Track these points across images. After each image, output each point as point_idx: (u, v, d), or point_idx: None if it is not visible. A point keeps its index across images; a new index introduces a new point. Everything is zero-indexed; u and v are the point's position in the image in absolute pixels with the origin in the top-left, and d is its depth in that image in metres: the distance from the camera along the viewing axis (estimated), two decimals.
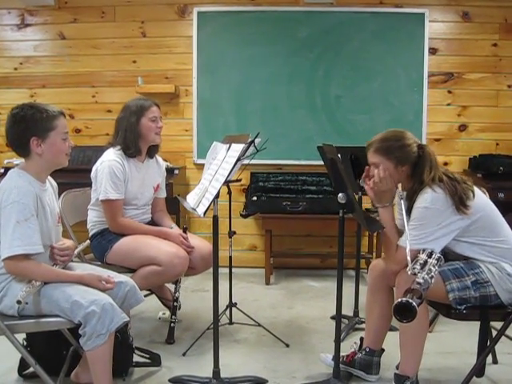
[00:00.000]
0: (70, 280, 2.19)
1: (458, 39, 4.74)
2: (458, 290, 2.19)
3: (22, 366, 2.55)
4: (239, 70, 4.80)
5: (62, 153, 2.25)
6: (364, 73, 4.74)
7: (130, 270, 2.95)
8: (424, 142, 4.71)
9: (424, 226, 2.22)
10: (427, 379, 2.60)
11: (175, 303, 3.14)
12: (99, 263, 2.98)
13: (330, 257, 4.82)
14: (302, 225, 4.57)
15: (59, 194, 2.61)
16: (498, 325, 2.36)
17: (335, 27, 4.73)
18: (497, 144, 4.73)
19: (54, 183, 2.46)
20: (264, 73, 4.78)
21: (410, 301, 1.83)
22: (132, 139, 3.05)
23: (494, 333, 2.45)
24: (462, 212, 2.21)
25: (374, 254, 4.57)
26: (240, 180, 3.41)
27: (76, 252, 2.45)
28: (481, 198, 2.33)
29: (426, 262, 2.12)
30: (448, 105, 4.77)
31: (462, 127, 4.75)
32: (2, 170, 4.24)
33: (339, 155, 2.46)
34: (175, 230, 3.14)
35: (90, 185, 3.10)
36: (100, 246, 3.03)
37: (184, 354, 2.90)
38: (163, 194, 3.38)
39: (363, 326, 3.18)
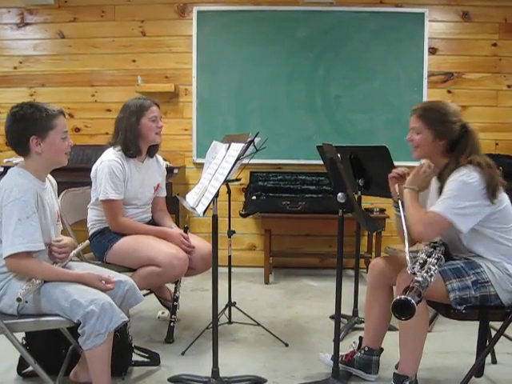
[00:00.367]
0: (70, 279, 2.19)
1: (458, 39, 4.74)
2: (459, 289, 2.19)
3: (22, 364, 2.55)
4: (239, 70, 4.80)
5: (62, 152, 2.25)
6: (364, 72, 4.75)
7: (130, 270, 2.95)
8: None
9: (458, 197, 2.18)
10: (426, 379, 2.60)
11: (175, 303, 3.15)
12: (99, 262, 2.98)
13: (330, 256, 4.83)
14: (301, 224, 4.58)
15: (59, 193, 2.61)
16: (497, 325, 2.36)
17: (335, 27, 4.73)
18: (496, 144, 4.74)
19: (54, 181, 2.46)
20: (264, 72, 4.78)
21: (409, 298, 1.83)
22: (132, 139, 3.05)
23: (493, 333, 2.45)
24: (491, 200, 2.19)
25: (374, 253, 4.57)
26: (239, 179, 3.41)
27: (75, 251, 2.44)
28: (504, 193, 2.32)
29: (425, 262, 2.12)
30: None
31: None
32: (2, 169, 4.25)
33: (339, 155, 2.45)
34: (176, 230, 3.14)
35: (89, 184, 3.10)
36: (100, 245, 3.03)
37: (183, 354, 2.90)
38: (163, 193, 3.38)
39: (362, 325, 3.18)
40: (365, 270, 4.73)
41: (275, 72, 4.78)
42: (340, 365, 2.50)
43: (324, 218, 4.33)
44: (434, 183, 2.43)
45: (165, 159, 3.47)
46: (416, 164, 2.49)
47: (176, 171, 4.42)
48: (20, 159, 2.28)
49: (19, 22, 4.90)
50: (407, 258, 2.06)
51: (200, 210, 2.32)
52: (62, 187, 2.69)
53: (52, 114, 2.19)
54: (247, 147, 2.46)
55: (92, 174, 3.05)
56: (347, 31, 4.73)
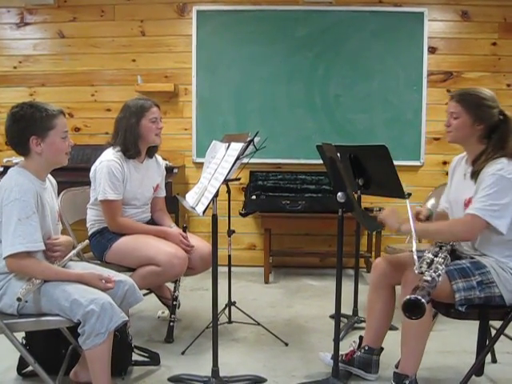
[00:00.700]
0: (70, 278, 2.19)
1: (457, 38, 4.74)
2: (464, 290, 2.18)
3: (21, 364, 2.55)
4: (238, 69, 4.80)
5: (62, 152, 2.25)
6: (363, 72, 4.74)
7: (129, 269, 2.95)
8: (423, 141, 4.72)
9: (497, 195, 2.16)
10: (426, 378, 2.60)
11: (174, 302, 3.15)
12: (98, 262, 2.98)
13: (329, 256, 4.83)
14: (301, 224, 4.58)
15: (58, 193, 2.61)
16: (497, 324, 2.36)
17: (334, 26, 4.73)
18: None
19: (54, 181, 2.46)
20: (263, 72, 4.78)
21: (419, 297, 1.84)
22: (132, 140, 3.04)
23: (493, 332, 2.45)
24: None
25: (373, 253, 4.58)
26: (239, 179, 3.42)
27: (75, 251, 2.44)
28: None
29: (432, 261, 2.12)
30: (447, 104, 4.72)
31: None
32: (2, 169, 4.25)
33: (338, 154, 2.45)
34: (175, 229, 3.14)
35: (89, 183, 3.10)
36: (99, 245, 3.03)
37: (183, 353, 2.90)
38: (163, 193, 3.37)
39: (362, 325, 3.19)
40: (365, 270, 4.74)
41: (275, 71, 4.78)
42: (340, 364, 2.50)
43: (324, 217, 4.33)
44: (463, 170, 2.43)
45: (164, 159, 3.48)
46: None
47: (176, 171, 4.42)
48: (20, 159, 2.28)
49: (19, 22, 4.90)
50: (415, 257, 2.05)
51: (200, 209, 2.32)
52: (61, 187, 2.69)
53: (52, 113, 2.19)
54: (247, 147, 2.47)
55: (91, 174, 3.05)
56: (347, 31, 4.73)
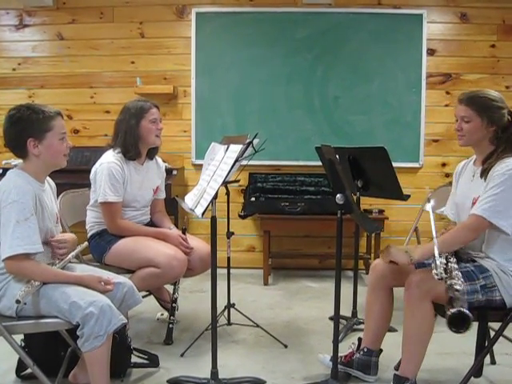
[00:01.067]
0: (70, 280, 2.19)
1: (456, 40, 4.75)
2: (468, 293, 2.17)
3: (20, 367, 2.55)
4: (238, 71, 4.80)
5: (60, 153, 2.25)
6: (362, 74, 4.75)
7: (129, 271, 2.95)
8: (422, 142, 4.72)
9: (504, 195, 2.17)
10: (426, 380, 2.60)
11: (174, 304, 3.14)
12: (97, 264, 2.98)
13: (329, 257, 4.83)
14: (300, 225, 4.58)
15: (58, 195, 2.61)
16: (496, 326, 2.36)
17: (333, 28, 4.73)
18: None
19: (53, 183, 2.46)
20: (262, 73, 4.78)
21: (462, 309, 1.83)
22: (132, 142, 3.04)
23: (492, 333, 2.45)
24: None
25: (372, 254, 4.58)
26: (238, 181, 3.41)
27: (74, 253, 2.44)
28: None
29: (446, 266, 2.12)
30: (446, 106, 4.77)
31: None
32: (0, 171, 4.25)
33: (337, 156, 2.46)
34: (174, 231, 3.15)
35: (88, 185, 3.10)
36: (99, 247, 3.03)
37: (182, 355, 2.90)
38: (162, 195, 3.38)
39: (361, 326, 3.19)
40: (364, 271, 4.74)
41: (274, 73, 4.78)
42: (339, 366, 2.51)
43: (323, 219, 4.33)
44: (471, 171, 2.43)
45: (164, 160, 3.47)
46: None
47: (175, 172, 4.42)
48: (19, 161, 2.28)
49: (18, 24, 4.90)
50: (437, 263, 2.04)
51: (199, 211, 2.32)
52: (60, 189, 2.69)
53: (49, 115, 2.19)
54: (246, 148, 2.47)
55: (91, 176, 3.05)
56: (346, 32, 4.73)
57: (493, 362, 2.80)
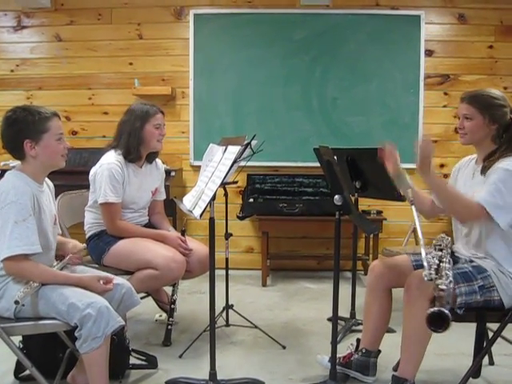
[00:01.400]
0: (69, 281, 2.19)
1: (454, 41, 4.76)
2: (466, 294, 2.18)
3: (19, 368, 2.55)
4: (236, 72, 4.80)
5: (57, 154, 2.25)
6: (360, 75, 4.75)
7: (127, 273, 2.95)
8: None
9: (505, 191, 2.16)
10: (424, 381, 2.60)
11: (172, 306, 3.14)
12: (96, 265, 2.97)
13: (327, 258, 4.83)
14: (298, 227, 4.58)
15: (56, 196, 2.61)
16: (494, 326, 2.36)
17: (331, 29, 4.74)
18: None
19: (51, 184, 2.46)
20: (260, 75, 4.79)
21: (442, 309, 1.83)
22: (134, 144, 3.04)
23: (491, 334, 2.45)
24: None
25: (371, 255, 4.58)
26: (236, 182, 3.42)
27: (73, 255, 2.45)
28: None
29: (438, 267, 2.12)
30: (444, 106, 4.78)
31: None
32: None
33: (335, 157, 2.46)
34: (173, 233, 3.15)
35: (86, 187, 3.10)
36: (97, 248, 3.02)
37: (181, 356, 2.90)
38: (162, 196, 3.38)
39: (360, 327, 3.19)
40: (362, 272, 4.74)
41: (272, 74, 4.79)
42: (337, 367, 2.50)
43: (321, 220, 4.33)
44: (471, 170, 2.43)
45: (162, 162, 3.47)
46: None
47: (173, 174, 4.42)
48: (17, 162, 2.28)
49: (16, 25, 4.90)
50: (425, 264, 2.04)
51: (197, 212, 2.32)
52: (58, 190, 2.69)
53: (45, 116, 2.20)
54: (244, 150, 2.47)
55: (91, 177, 3.05)
56: (344, 34, 4.74)
57: (491, 362, 2.81)
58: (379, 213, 4.61)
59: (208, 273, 2.44)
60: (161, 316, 3.44)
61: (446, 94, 4.78)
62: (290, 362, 2.88)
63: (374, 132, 4.72)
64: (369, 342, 2.59)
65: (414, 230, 3.75)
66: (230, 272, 3.41)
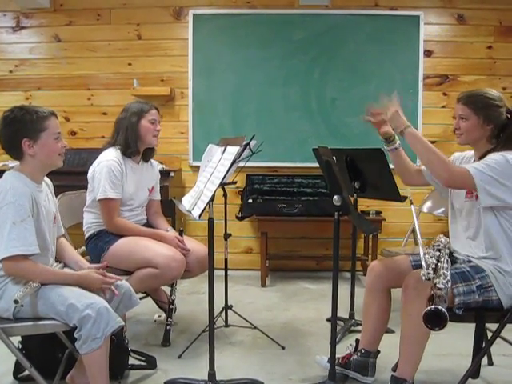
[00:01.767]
0: (68, 279, 2.20)
1: (453, 41, 4.76)
2: (464, 294, 2.18)
3: (18, 369, 2.55)
4: (235, 73, 4.80)
5: (55, 153, 2.26)
6: (359, 75, 4.75)
7: (127, 273, 2.94)
8: None
9: (495, 169, 2.16)
10: (423, 381, 2.60)
11: (171, 306, 3.14)
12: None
13: (326, 259, 4.83)
14: (297, 227, 4.58)
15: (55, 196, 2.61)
16: (493, 327, 2.36)
17: (330, 30, 4.74)
18: None
19: (50, 182, 2.46)
20: (259, 75, 4.79)
21: (439, 307, 1.83)
22: (133, 138, 3.09)
23: (490, 335, 2.45)
24: None
25: (370, 256, 4.58)
26: (235, 182, 3.42)
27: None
28: None
29: (436, 266, 2.12)
30: (443, 107, 4.79)
31: None
32: None
33: (334, 157, 2.46)
34: (171, 233, 3.15)
35: (85, 187, 3.10)
36: (96, 248, 3.02)
37: (180, 357, 2.90)
38: (157, 196, 3.39)
39: (359, 328, 3.19)
40: (361, 273, 4.73)
41: (271, 75, 4.79)
42: (336, 367, 2.50)
43: (320, 220, 4.33)
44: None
45: (161, 162, 3.48)
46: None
47: (172, 174, 4.42)
48: (15, 163, 2.28)
49: (15, 26, 4.89)
50: (423, 263, 2.04)
51: (196, 213, 2.32)
52: (57, 191, 2.68)
53: (43, 115, 2.20)
54: (243, 150, 2.47)
55: (89, 176, 3.06)
56: (343, 34, 4.74)
57: (490, 363, 2.81)
58: (378, 213, 4.61)
59: (207, 273, 2.44)
60: (160, 316, 3.44)
61: (444, 94, 4.78)
62: (289, 362, 2.88)
63: (373, 132, 4.67)
64: (368, 343, 2.59)
65: (413, 231, 3.75)
66: (229, 272, 3.41)
